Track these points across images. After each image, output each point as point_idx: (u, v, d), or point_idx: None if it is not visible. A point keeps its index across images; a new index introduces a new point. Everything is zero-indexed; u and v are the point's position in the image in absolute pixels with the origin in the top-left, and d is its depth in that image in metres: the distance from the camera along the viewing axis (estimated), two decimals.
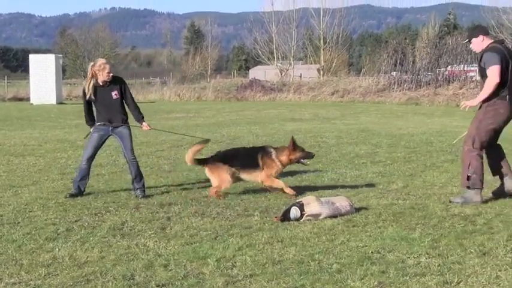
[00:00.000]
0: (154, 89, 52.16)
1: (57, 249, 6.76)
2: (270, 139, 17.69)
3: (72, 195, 9.55)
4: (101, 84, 9.67)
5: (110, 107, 9.76)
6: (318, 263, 6.21)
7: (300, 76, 61.99)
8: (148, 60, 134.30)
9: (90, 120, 9.96)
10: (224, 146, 14.31)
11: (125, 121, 9.91)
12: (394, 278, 5.75)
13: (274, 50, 68.52)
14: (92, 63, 9.79)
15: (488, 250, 6.58)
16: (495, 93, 8.75)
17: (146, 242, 6.99)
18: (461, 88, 38.61)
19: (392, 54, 43.64)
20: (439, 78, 40.74)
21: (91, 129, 9.95)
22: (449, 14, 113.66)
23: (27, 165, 13.12)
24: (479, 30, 9.33)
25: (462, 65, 41.70)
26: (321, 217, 7.98)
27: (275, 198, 9.41)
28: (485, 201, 8.93)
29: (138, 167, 9.91)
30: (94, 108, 9.96)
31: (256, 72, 73.92)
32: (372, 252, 6.55)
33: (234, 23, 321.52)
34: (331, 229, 7.50)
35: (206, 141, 10.55)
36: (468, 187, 8.90)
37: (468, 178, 8.87)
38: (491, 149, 9.16)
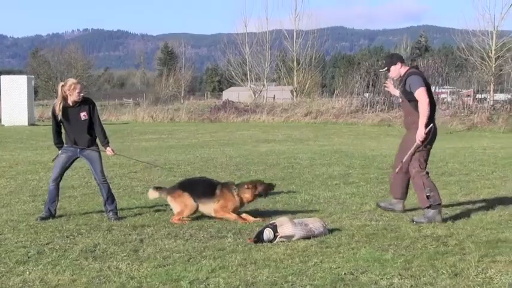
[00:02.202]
0: (128, 110, 51.95)
1: (27, 272, 6.69)
2: (243, 160, 17.69)
3: (43, 219, 9.45)
4: (70, 104, 9.58)
5: (78, 127, 9.65)
6: (291, 285, 6.20)
7: (274, 97, 62.12)
8: (121, 82, 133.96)
9: (59, 142, 9.84)
10: (195, 169, 14.27)
11: (93, 142, 9.79)
12: None
13: (248, 72, 68.64)
14: (62, 83, 9.64)
15: (460, 271, 6.62)
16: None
17: (119, 265, 6.94)
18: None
19: (365, 76, 43.93)
20: None
21: (59, 151, 9.86)
22: (421, 36, 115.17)
23: None
24: (396, 58, 9.78)
25: (434, 87, 42.04)
26: (294, 238, 7.98)
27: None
28: (444, 220, 9.18)
29: (109, 189, 9.84)
30: (63, 129, 9.86)
31: (230, 94, 74.00)
32: (345, 273, 6.56)
33: (208, 45, 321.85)
34: (305, 250, 7.50)
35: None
36: (429, 206, 9.13)
37: (428, 197, 9.14)
38: (405, 172, 9.60)
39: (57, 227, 8.96)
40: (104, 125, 10.06)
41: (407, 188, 9.84)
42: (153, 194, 9.71)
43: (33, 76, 49.36)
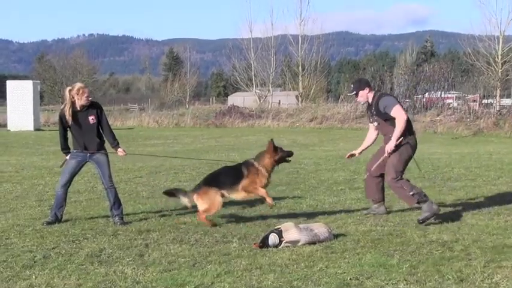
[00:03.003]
0: (133, 115, 52.08)
1: (33, 277, 6.70)
2: None
3: (49, 223, 9.45)
4: (78, 108, 9.58)
5: (86, 132, 9.64)
6: None
7: (279, 103, 62.09)
8: (126, 87, 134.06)
9: (66, 147, 9.83)
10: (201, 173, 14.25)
11: (101, 146, 9.81)
12: None
13: (253, 77, 68.68)
14: (69, 88, 9.62)
15: (466, 276, 6.61)
16: (407, 130, 9.62)
17: (124, 269, 6.95)
18: (438, 115, 38.88)
19: (371, 81, 43.88)
20: (417, 105, 41.07)
21: (67, 157, 9.85)
22: (427, 41, 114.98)
23: (3, 192, 13.01)
24: (364, 83, 10.11)
25: (439, 92, 42.08)
26: (299, 244, 7.98)
27: (254, 225, 9.40)
28: (440, 220, 9.46)
29: (116, 193, 9.85)
30: (70, 134, 9.86)
31: (235, 99, 74.01)
32: (350, 278, 6.55)
33: (213, 50, 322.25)
34: (310, 256, 7.50)
35: None
36: (418, 202, 9.48)
37: (413, 195, 9.44)
38: (380, 175, 10.05)
39: (63, 232, 8.98)
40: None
41: (383, 189, 10.22)
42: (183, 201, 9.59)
43: (38, 81, 49.52)
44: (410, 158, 9.80)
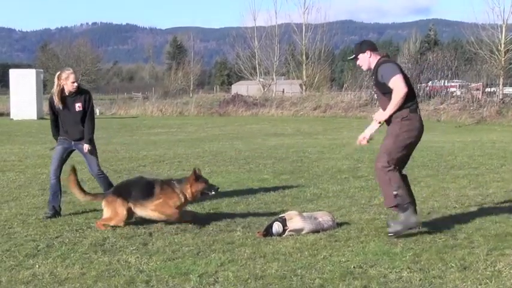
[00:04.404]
0: (137, 104, 52.06)
1: (37, 266, 6.71)
2: (252, 154, 17.70)
3: (49, 217, 9.21)
4: (67, 94, 9.50)
5: (71, 118, 9.52)
6: (301, 278, 6.20)
7: (283, 91, 62.12)
8: (130, 75, 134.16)
9: (56, 133, 9.75)
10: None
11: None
12: None
13: (257, 65, 68.64)
14: (58, 73, 9.55)
15: (469, 264, 6.61)
16: (406, 106, 7.92)
17: (128, 258, 6.95)
18: (442, 103, 38.85)
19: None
20: (420, 94, 41.01)
21: (57, 143, 9.81)
22: (430, 30, 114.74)
23: (6, 181, 13.02)
24: (366, 45, 8.32)
25: (443, 81, 42.01)
26: (303, 232, 7.98)
27: (257, 214, 9.39)
28: (421, 224, 8.10)
29: (106, 180, 9.75)
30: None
31: (239, 88, 74.02)
32: (354, 267, 6.56)
33: (217, 39, 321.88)
34: (314, 244, 7.50)
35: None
36: (396, 206, 7.88)
37: (395, 196, 7.82)
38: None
39: (67, 221, 8.98)
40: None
41: (412, 192, 8.40)
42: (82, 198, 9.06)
43: (42, 70, 49.60)
44: (411, 145, 8.04)
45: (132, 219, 8.70)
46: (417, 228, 7.95)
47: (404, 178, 8.12)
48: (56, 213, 9.40)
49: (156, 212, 8.57)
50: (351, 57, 8.46)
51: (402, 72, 8.00)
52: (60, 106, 9.47)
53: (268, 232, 7.90)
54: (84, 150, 9.59)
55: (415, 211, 7.95)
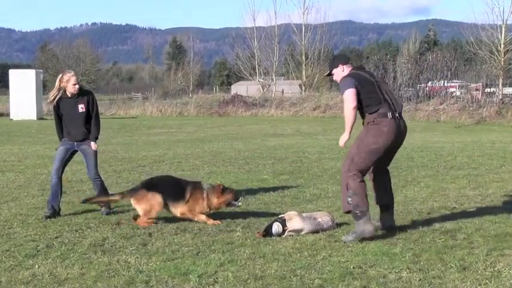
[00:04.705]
0: (136, 104, 52.04)
1: (36, 266, 6.71)
2: (252, 154, 17.70)
3: (48, 217, 9.24)
4: (69, 96, 9.57)
5: (74, 120, 9.59)
6: (300, 279, 6.21)
7: (282, 92, 62.10)
8: (130, 76, 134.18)
9: (62, 134, 9.83)
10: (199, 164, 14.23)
11: (88, 136, 9.70)
12: None
13: (256, 66, 68.57)
14: (60, 75, 9.64)
15: (469, 265, 6.61)
16: (373, 111, 7.90)
17: (127, 259, 6.96)
18: (441, 104, 38.82)
19: (374, 70, 43.84)
20: (420, 94, 41.04)
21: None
22: (430, 30, 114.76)
23: (6, 181, 13.02)
24: (338, 60, 8.38)
25: (442, 81, 42.03)
26: (302, 232, 7.99)
27: (257, 214, 9.39)
28: (377, 230, 7.87)
29: (102, 184, 9.80)
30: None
31: (238, 88, 74.05)
32: (353, 267, 6.56)
33: (216, 39, 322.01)
34: (313, 244, 7.50)
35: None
36: (350, 211, 7.81)
37: (348, 202, 7.77)
38: (378, 174, 8.27)
39: (66, 221, 8.99)
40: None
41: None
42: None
43: (41, 70, 49.54)
44: (378, 150, 7.86)
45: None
46: (371, 235, 7.70)
47: (381, 177, 8.24)
48: (55, 213, 9.41)
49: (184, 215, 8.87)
50: (326, 73, 8.55)
51: (360, 83, 7.90)
52: (55, 104, 9.59)
53: (267, 232, 7.90)
54: (92, 148, 9.67)
55: (370, 220, 7.74)
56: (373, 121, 7.91)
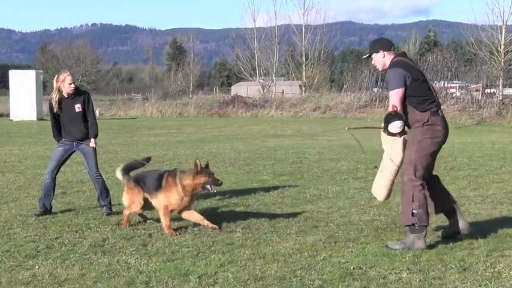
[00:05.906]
0: (136, 105, 52.10)
1: (37, 266, 6.71)
2: (252, 155, 17.69)
3: (38, 215, 9.31)
4: (65, 96, 9.60)
5: (72, 120, 9.64)
6: (300, 280, 6.20)
7: (282, 92, 62.08)
8: (130, 76, 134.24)
9: (58, 135, 9.85)
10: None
11: (87, 135, 9.73)
12: None
13: (257, 67, 68.61)
14: (56, 76, 9.69)
15: (469, 265, 6.61)
16: (426, 109, 7.37)
17: (127, 259, 6.95)
18: (441, 104, 38.81)
19: (374, 71, 43.83)
20: None
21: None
22: (430, 31, 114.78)
23: (6, 182, 13.02)
24: (379, 44, 7.80)
25: (443, 82, 42.02)
26: None
27: (257, 215, 9.38)
28: (429, 247, 7.36)
29: (103, 183, 9.83)
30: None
31: (239, 89, 74.07)
32: (353, 268, 6.55)
33: (216, 40, 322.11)
34: (313, 245, 7.50)
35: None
36: (412, 225, 7.29)
37: (413, 214, 7.26)
38: (431, 181, 7.70)
39: (66, 222, 8.99)
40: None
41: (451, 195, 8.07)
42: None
43: (41, 71, 49.57)
44: (435, 153, 7.46)
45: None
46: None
47: (437, 179, 7.80)
48: (46, 211, 9.51)
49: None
50: (366, 55, 8.06)
51: (412, 73, 7.40)
52: (55, 109, 9.63)
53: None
54: (90, 148, 9.70)
55: (424, 238, 7.34)
56: (428, 121, 7.35)
